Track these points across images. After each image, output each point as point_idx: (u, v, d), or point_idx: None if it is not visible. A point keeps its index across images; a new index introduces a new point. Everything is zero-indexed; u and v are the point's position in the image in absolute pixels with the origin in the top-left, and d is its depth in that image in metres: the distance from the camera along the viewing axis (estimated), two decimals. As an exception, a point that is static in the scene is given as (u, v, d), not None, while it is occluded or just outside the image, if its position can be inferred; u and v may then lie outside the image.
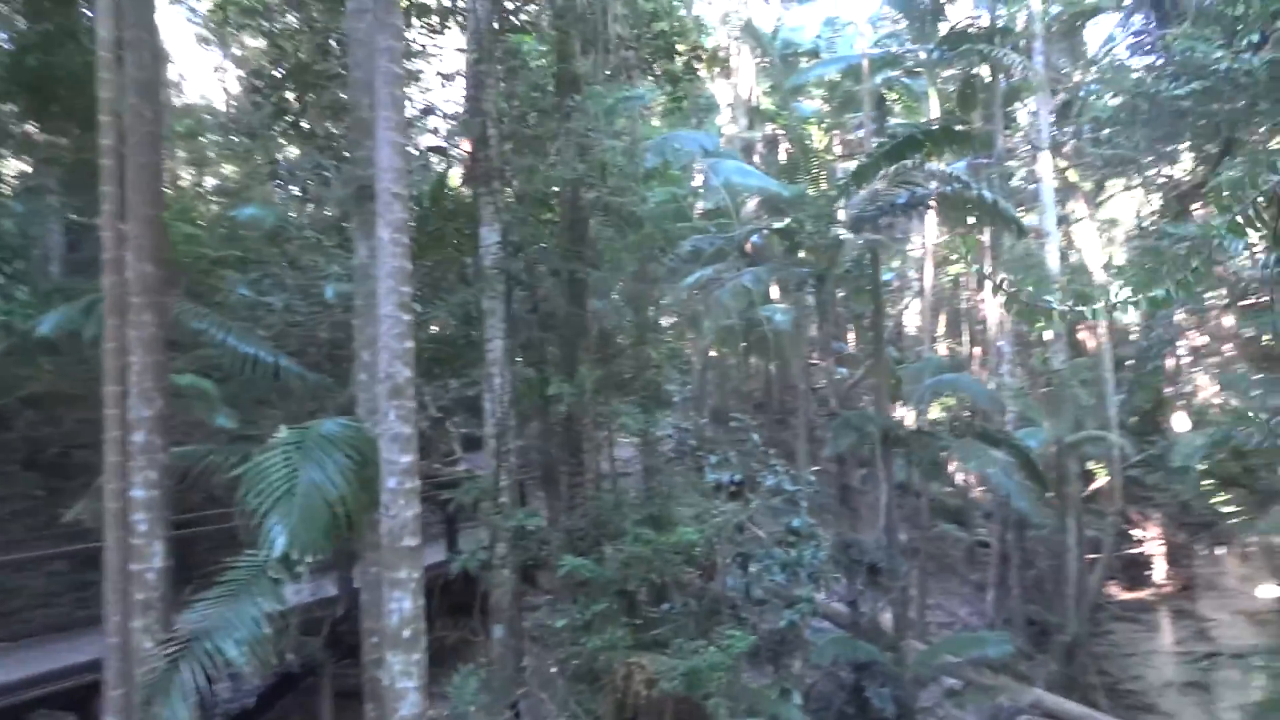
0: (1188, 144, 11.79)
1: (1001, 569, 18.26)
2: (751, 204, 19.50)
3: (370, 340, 7.33)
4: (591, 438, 9.24)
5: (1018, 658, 14.04)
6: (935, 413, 24.03)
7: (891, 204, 13.83)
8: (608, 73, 10.95)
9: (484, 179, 9.43)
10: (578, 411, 9.01)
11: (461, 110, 12.10)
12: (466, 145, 10.91)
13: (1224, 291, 18.85)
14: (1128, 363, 25.89)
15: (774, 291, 20.88)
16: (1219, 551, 27.26)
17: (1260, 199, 10.11)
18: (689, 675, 7.00)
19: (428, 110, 13.65)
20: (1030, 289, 21.11)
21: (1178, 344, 30.78)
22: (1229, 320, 21.60)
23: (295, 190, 14.35)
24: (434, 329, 12.31)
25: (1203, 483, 24.08)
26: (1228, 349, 26.17)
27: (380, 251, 6.52)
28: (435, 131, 14.50)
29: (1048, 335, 18.24)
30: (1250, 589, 24.85)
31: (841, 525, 15.71)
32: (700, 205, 19.05)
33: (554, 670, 7.47)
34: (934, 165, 14.00)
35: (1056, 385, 17.33)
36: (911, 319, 29.74)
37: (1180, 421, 29.92)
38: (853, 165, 16.98)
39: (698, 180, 19.15)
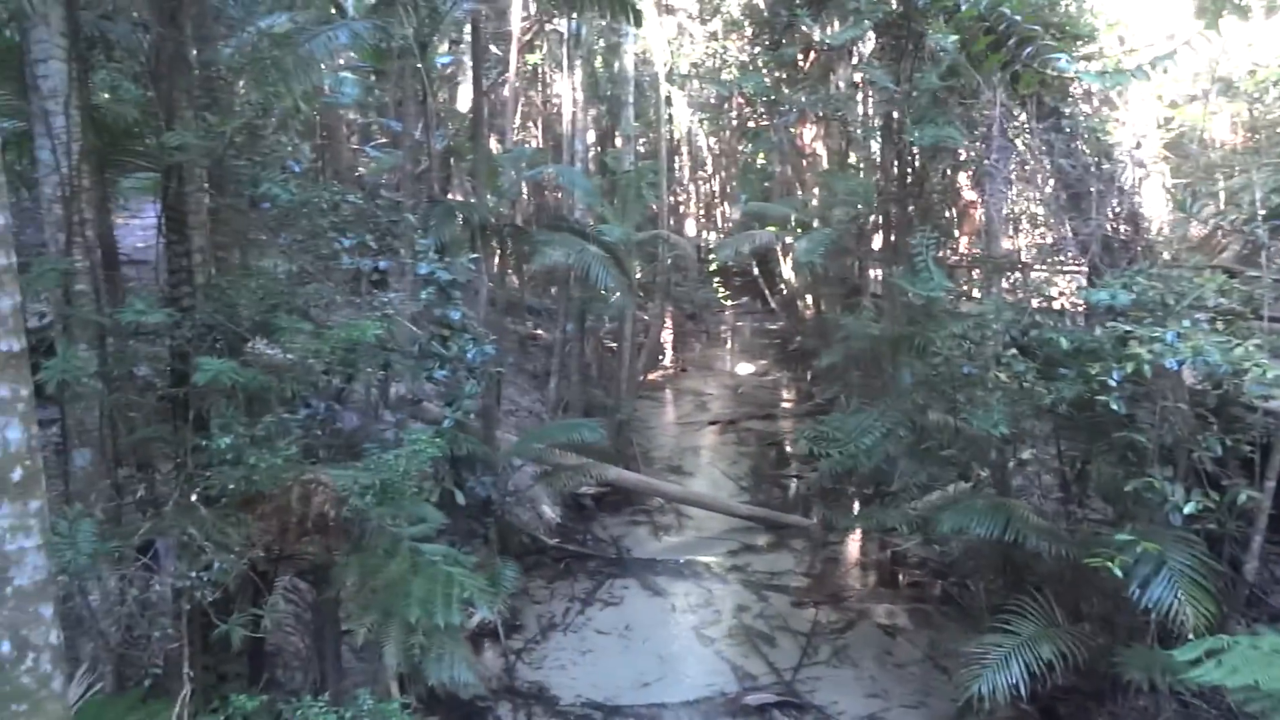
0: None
1: (563, 360, 19.36)
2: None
3: None
4: (198, 208, 7.17)
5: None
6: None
7: (510, -30, 12.68)
8: None
9: None
10: (187, 172, 6.85)
11: None
12: None
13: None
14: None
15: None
16: (713, 337, 32.49)
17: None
18: (384, 488, 6.12)
19: None
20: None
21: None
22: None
23: None
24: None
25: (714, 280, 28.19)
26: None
27: None
28: None
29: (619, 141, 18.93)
30: (732, 367, 30.20)
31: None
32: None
33: (194, 499, 5.95)
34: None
35: (626, 185, 18.18)
36: (464, 105, 28.78)
37: (690, 226, 34.37)
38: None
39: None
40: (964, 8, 8.59)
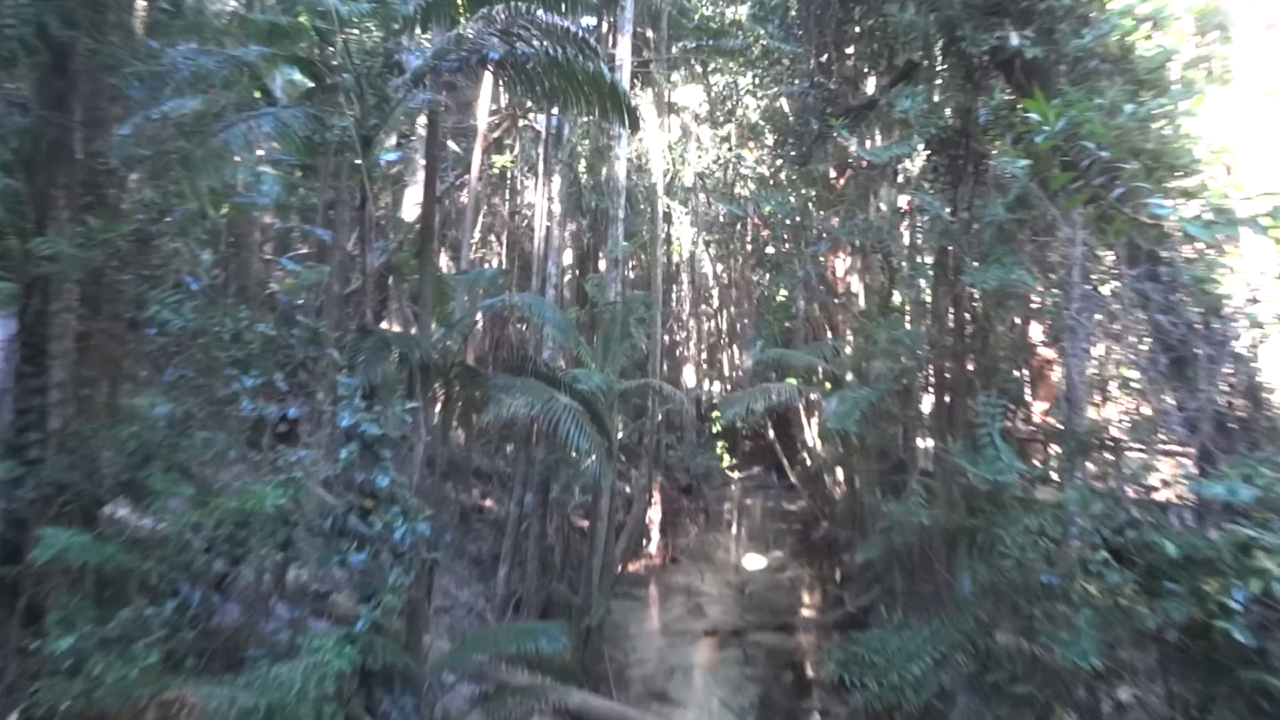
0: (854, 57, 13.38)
1: (517, 540, 19.16)
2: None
3: None
4: (64, 332, 7.23)
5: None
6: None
7: (481, 57, 13.30)
8: None
9: None
10: (55, 287, 6.94)
11: None
12: None
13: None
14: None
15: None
16: (713, 518, 32.36)
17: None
18: (270, 713, 5.89)
19: None
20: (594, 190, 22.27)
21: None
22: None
23: None
24: None
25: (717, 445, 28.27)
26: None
27: None
28: None
29: (602, 264, 19.40)
30: (738, 559, 29.89)
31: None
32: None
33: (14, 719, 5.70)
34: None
35: (609, 320, 18.51)
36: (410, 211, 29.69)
37: (689, 374, 34.87)
38: None
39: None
40: (1039, 140, 8.98)
